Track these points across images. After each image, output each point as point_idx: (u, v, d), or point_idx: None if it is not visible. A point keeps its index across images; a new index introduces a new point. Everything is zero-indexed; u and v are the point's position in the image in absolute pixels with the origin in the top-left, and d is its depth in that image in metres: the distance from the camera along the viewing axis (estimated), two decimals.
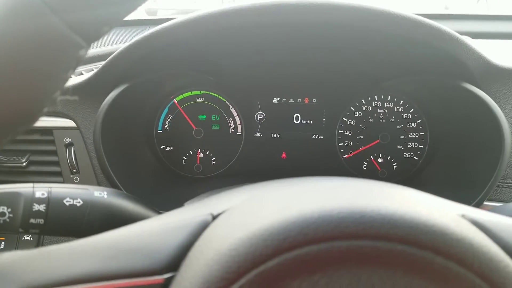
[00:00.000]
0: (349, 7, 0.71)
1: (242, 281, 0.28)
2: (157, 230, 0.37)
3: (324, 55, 0.94)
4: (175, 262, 0.34)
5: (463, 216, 0.36)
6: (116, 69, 0.83)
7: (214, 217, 0.38)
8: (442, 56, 0.78)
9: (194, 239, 0.36)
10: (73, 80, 0.92)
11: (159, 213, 0.63)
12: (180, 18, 0.77)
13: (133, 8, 0.35)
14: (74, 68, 0.35)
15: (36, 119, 0.35)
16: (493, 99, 0.80)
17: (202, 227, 0.36)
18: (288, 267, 0.28)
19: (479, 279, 0.28)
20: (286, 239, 0.29)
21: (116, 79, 0.85)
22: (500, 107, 0.79)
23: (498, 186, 0.83)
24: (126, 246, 0.35)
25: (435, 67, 0.85)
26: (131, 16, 1.42)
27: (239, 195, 0.43)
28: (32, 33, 0.30)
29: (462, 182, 0.88)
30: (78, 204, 0.54)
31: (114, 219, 0.57)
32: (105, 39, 1.22)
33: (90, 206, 0.55)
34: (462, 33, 1.04)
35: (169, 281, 0.33)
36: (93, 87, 0.87)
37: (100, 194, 0.57)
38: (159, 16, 1.50)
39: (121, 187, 0.82)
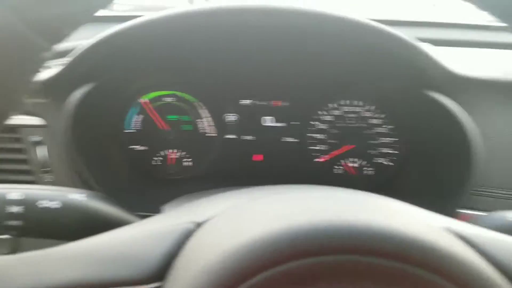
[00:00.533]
0: (301, 12, 0.72)
1: None
2: (140, 237, 0.36)
3: (293, 58, 0.93)
4: (160, 272, 0.33)
5: (448, 229, 0.36)
6: (82, 67, 0.81)
7: (199, 224, 0.36)
8: (403, 64, 0.78)
9: (178, 247, 0.35)
10: (40, 75, 0.88)
11: (138, 217, 0.61)
12: (149, 16, 0.75)
13: (95, 8, 0.34)
14: (37, 71, 0.33)
15: (1, 123, 0.33)
16: (464, 108, 0.80)
17: (186, 235, 0.36)
18: (276, 282, 0.27)
19: None
20: (273, 253, 0.28)
21: (82, 77, 0.82)
22: (470, 116, 0.79)
23: (474, 194, 0.83)
24: (108, 254, 0.34)
25: (398, 74, 0.85)
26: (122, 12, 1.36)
27: (223, 201, 0.42)
28: None
29: (434, 190, 0.88)
30: (55, 206, 0.53)
31: (92, 223, 0.56)
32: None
33: (67, 209, 0.54)
34: (441, 41, 1.05)
35: None
36: (59, 84, 0.84)
37: (78, 196, 0.55)
38: (115, 11, 1.46)
39: (96, 188, 0.80)
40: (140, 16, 0.76)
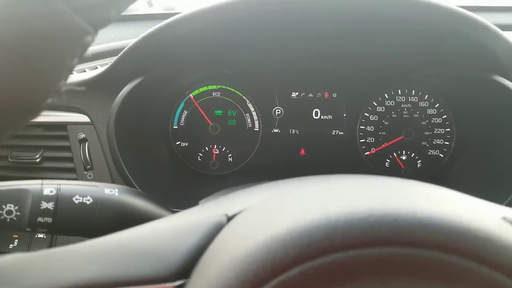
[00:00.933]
0: None
1: None
2: (167, 232, 0.35)
3: (346, 47, 0.89)
4: (186, 268, 0.31)
5: (505, 219, 0.32)
6: (130, 63, 0.81)
7: (229, 218, 0.35)
8: (472, 47, 0.73)
9: (207, 242, 0.33)
10: (84, 75, 0.90)
11: (172, 212, 0.60)
12: (194, 8, 0.74)
13: None
14: (80, 56, 0.33)
15: (40, 110, 0.33)
16: None
17: (216, 229, 0.33)
18: (311, 277, 0.24)
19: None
20: (309, 245, 0.25)
21: (130, 73, 0.82)
22: None
23: None
24: (133, 250, 0.33)
25: (464, 58, 0.80)
26: (138, 11, 1.40)
27: (257, 194, 0.40)
28: (37, 18, 0.28)
29: (492, 181, 0.82)
30: (88, 202, 0.52)
31: (125, 218, 0.54)
32: (112, 35, 1.21)
33: (100, 204, 0.52)
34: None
35: None
36: (106, 82, 0.85)
37: (111, 191, 0.54)
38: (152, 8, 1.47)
39: (135, 184, 0.79)
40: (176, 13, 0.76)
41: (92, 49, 1.10)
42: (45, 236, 0.89)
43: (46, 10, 0.28)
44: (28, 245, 0.88)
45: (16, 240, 0.88)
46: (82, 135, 0.89)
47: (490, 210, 0.34)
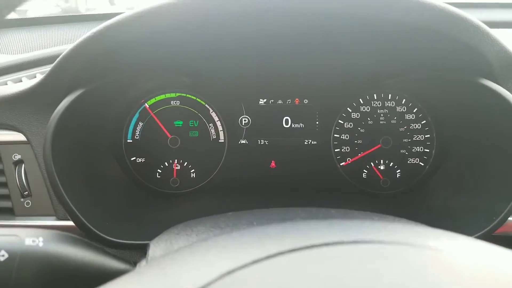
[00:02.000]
0: None
1: None
2: None
3: (318, 50, 0.80)
4: None
5: None
6: (69, 72, 0.69)
7: None
8: (458, 48, 0.65)
9: None
10: (20, 86, 0.77)
11: (117, 259, 0.49)
12: (141, 8, 0.62)
13: None
14: None
15: None
16: None
17: None
18: None
19: None
20: None
21: (69, 84, 0.70)
22: None
23: None
24: None
25: (447, 61, 0.72)
26: (95, 10, 1.27)
27: (217, 258, 0.30)
28: None
29: (476, 194, 0.76)
30: (2, 259, 0.41)
31: (54, 276, 0.43)
32: (61, 37, 1.08)
33: (19, 260, 0.41)
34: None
35: None
36: (43, 95, 0.73)
37: (34, 241, 0.43)
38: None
39: (78, 214, 0.67)
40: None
41: (33, 54, 0.97)
42: None
43: None
44: None
45: None
46: (18, 156, 0.76)
47: None
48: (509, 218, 0.69)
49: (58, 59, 0.68)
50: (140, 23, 0.63)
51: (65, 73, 0.69)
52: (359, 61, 0.84)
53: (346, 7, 0.60)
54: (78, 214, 0.67)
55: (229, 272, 0.28)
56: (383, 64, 0.83)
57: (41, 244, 0.43)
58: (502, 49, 0.65)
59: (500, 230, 0.68)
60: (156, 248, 0.47)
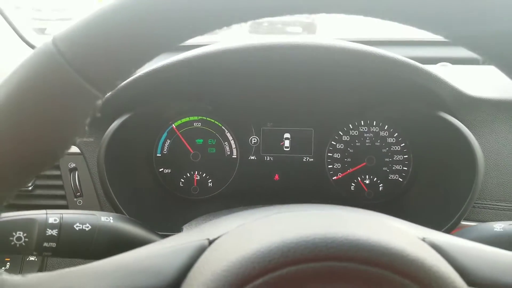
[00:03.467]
0: (320, 46, 0.80)
1: None
2: (160, 253, 0.43)
3: (313, 87, 1.01)
4: (177, 282, 0.40)
5: (424, 239, 0.42)
6: (119, 101, 0.90)
7: (211, 242, 0.43)
8: (418, 89, 0.85)
9: (193, 261, 0.41)
10: None
11: (160, 236, 0.68)
12: (188, 53, 0.83)
13: (143, 64, 0.41)
14: (92, 116, 0.39)
15: (57, 160, 0.41)
16: (468, 127, 0.87)
17: (200, 251, 0.42)
18: (271, 285, 0.34)
19: None
20: (270, 262, 0.35)
21: (117, 109, 0.91)
22: (474, 135, 0.86)
23: (474, 207, 0.89)
24: (133, 268, 0.41)
25: (412, 97, 0.92)
26: None
27: (232, 221, 0.48)
28: (51, 85, 0.35)
29: (441, 204, 0.94)
30: (87, 229, 0.60)
31: (119, 242, 0.62)
32: None
33: (97, 230, 0.61)
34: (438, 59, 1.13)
35: None
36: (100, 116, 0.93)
37: (107, 219, 0.62)
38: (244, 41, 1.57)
39: (123, 211, 0.87)
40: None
41: None
42: (36, 259, 0.95)
43: (59, 78, 0.35)
44: (20, 268, 0.93)
45: (8, 263, 0.94)
46: (73, 165, 0.96)
47: (412, 232, 0.44)
48: (462, 222, 0.87)
49: (118, 88, 0.89)
50: (179, 67, 0.84)
51: (118, 100, 0.90)
52: (346, 96, 1.04)
53: (334, 58, 0.81)
54: (122, 208, 0.87)
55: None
56: (364, 98, 1.03)
57: (112, 221, 0.63)
58: (452, 88, 0.85)
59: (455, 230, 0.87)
60: (188, 227, 0.67)
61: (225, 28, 0.41)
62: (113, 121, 0.90)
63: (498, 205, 0.89)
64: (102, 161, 0.87)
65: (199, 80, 0.94)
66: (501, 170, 0.90)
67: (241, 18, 0.38)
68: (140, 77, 0.84)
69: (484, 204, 0.89)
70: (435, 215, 0.94)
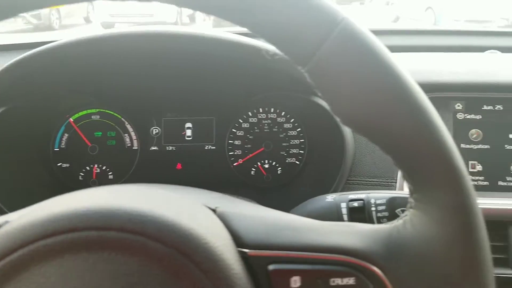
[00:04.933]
0: (168, 34, 0.82)
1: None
2: None
3: (202, 76, 1.03)
4: None
5: (216, 208, 0.45)
6: None
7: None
8: (286, 76, 0.89)
9: None
10: None
11: None
12: (60, 41, 0.83)
13: None
14: None
15: None
16: None
17: None
18: (33, 255, 0.36)
19: (181, 256, 0.37)
20: (47, 230, 0.36)
21: None
22: None
23: (349, 183, 0.95)
24: None
25: (286, 82, 0.96)
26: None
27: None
28: None
29: (324, 182, 1.00)
30: None
31: None
32: None
33: None
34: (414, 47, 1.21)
35: None
36: None
37: None
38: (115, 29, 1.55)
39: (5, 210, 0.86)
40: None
41: None
42: None
43: None
44: None
45: None
46: None
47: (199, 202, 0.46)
48: None
49: None
50: (54, 54, 0.84)
51: None
52: (238, 84, 1.07)
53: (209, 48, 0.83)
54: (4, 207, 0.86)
55: None
56: (253, 85, 1.07)
57: None
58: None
59: None
60: None
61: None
62: None
63: (371, 181, 0.95)
64: None
65: (84, 70, 0.94)
66: (374, 150, 0.96)
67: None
68: (14, 64, 0.83)
69: (359, 180, 0.96)
70: (320, 193, 0.99)
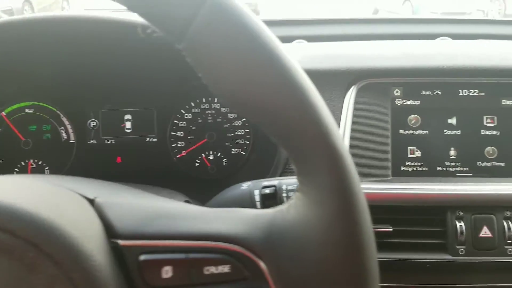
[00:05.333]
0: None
1: None
2: None
3: (134, 64, 0.99)
4: None
5: (95, 198, 0.42)
6: None
7: None
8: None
9: None
10: None
11: None
12: None
13: None
14: None
15: None
16: None
17: None
18: None
19: (32, 247, 0.34)
20: None
21: None
22: None
23: (287, 172, 0.93)
24: None
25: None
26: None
27: None
28: None
29: (264, 170, 0.97)
30: None
31: None
32: None
33: None
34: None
35: None
36: None
37: None
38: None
39: None
40: None
41: None
42: None
43: None
44: None
45: None
46: None
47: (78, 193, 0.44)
48: None
49: None
50: None
51: None
52: (170, 72, 1.03)
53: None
54: None
55: None
56: (182, 73, 1.03)
57: None
58: None
59: None
60: None
61: None
62: None
63: None
64: None
65: (10, 59, 0.89)
66: None
67: None
68: None
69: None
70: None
